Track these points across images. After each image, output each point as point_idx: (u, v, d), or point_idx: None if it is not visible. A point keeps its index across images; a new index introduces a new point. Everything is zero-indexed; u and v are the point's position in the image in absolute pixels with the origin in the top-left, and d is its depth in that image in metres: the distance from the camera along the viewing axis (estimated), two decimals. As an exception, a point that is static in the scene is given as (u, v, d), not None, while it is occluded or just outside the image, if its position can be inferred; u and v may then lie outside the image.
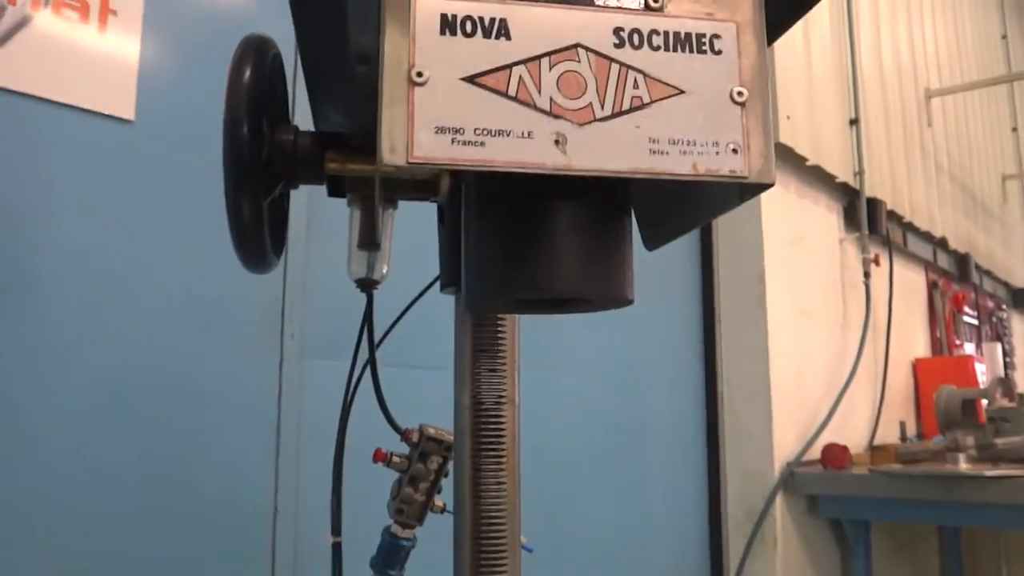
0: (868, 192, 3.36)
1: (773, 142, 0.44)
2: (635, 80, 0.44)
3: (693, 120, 0.43)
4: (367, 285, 0.85)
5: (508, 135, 0.42)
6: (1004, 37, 6.07)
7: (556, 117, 0.43)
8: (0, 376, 1.26)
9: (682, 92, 0.44)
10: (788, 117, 2.87)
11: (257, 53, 0.62)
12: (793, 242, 2.99)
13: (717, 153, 0.43)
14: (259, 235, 0.63)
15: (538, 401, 1.35)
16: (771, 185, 0.43)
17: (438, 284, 0.77)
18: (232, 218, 0.61)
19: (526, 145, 0.42)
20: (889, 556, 3.19)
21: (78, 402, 1.34)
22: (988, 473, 2.34)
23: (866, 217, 3.32)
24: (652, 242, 0.60)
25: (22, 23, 1.35)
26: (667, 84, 0.44)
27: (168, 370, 1.46)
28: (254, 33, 0.64)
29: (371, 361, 0.85)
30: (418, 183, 0.67)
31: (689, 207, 0.53)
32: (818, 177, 3.17)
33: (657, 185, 0.46)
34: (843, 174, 3.26)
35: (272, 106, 0.64)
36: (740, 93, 0.44)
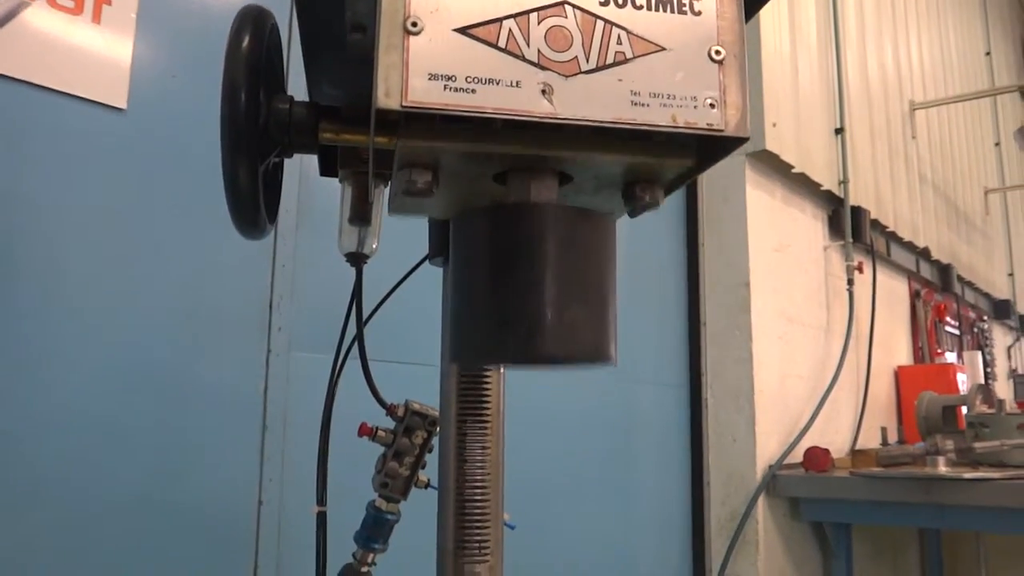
0: (852, 201, 3.41)
1: (749, 100, 0.46)
2: (619, 36, 0.46)
3: (673, 75, 0.46)
4: (357, 259, 0.86)
5: (498, 83, 0.44)
6: (988, 54, 6.17)
7: (543, 68, 0.45)
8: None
9: (663, 49, 0.46)
10: (774, 124, 2.91)
11: (255, 23, 0.63)
12: (778, 249, 3.03)
13: (695, 107, 0.45)
14: (254, 200, 0.65)
15: (523, 401, 1.35)
16: (746, 139, 0.46)
17: (428, 267, 0.79)
18: (228, 183, 0.62)
19: (515, 93, 0.44)
20: (870, 559, 3.22)
21: (66, 395, 1.34)
22: (967, 475, 2.37)
23: (850, 225, 3.37)
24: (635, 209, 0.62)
25: (19, 7, 1.36)
26: (649, 41, 0.46)
27: (156, 362, 1.47)
28: (253, 4, 0.66)
29: (359, 335, 0.86)
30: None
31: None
32: (803, 185, 3.21)
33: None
34: (828, 182, 3.30)
35: (269, 75, 0.66)
36: (718, 52, 0.47)
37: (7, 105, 1.32)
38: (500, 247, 0.51)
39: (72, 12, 1.42)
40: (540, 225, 0.50)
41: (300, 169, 1.72)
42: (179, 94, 1.54)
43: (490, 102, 0.44)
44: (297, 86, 0.75)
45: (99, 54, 1.45)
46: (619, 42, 0.46)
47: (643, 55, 0.46)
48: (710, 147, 0.49)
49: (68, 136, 1.39)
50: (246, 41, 0.61)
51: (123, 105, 1.47)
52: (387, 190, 0.82)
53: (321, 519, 0.87)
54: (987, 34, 6.23)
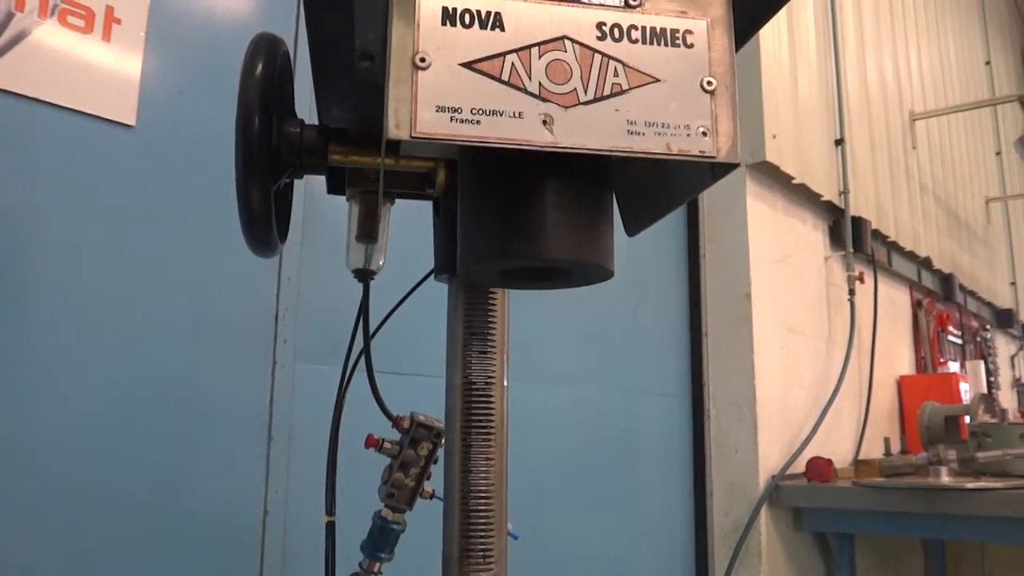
0: (853, 211, 3.43)
1: (739, 127, 0.49)
2: (615, 69, 0.49)
3: (667, 105, 0.48)
4: (364, 275, 0.88)
5: (501, 115, 0.47)
6: (988, 63, 6.20)
7: (544, 100, 0.47)
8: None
9: (657, 80, 0.49)
10: (774, 136, 2.93)
11: (268, 50, 0.66)
12: (779, 259, 3.04)
13: (688, 135, 0.48)
14: (267, 220, 0.67)
15: (527, 414, 1.37)
16: (737, 165, 0.48)
17: (432, 282, 0.81)
18: (242, 203, 0.65)
19: (517, 124, 0.47)
20: (873, 570, 3.21)
21: (75, 406, 1.36)
22: (969, 485, 2.38)
23: (851, 236, 3.38)
24: (633, 227, 0.65)
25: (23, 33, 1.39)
26: (644, 73, 0.49)
27: (163, 373, 1.49)
28: (265, 32, 0.68)
29: (366, 349, 0.88)
30: (416, 176, 0.71)
31: (666, 190, 0.57)
32: (804, 196, 3.23)
33: (636, 169, 0.50)
34: (828, 193, 3.32)
35: (281, 100, 0.68)
36: (710, 83, 0.49)
37: (18, 122, 1.35)
38: (505, 167, 0.53)
39: (82, 31, 1.45)
40: (543, 162, 0.52)
41: (304, 185, 1.74)
42: (187, 111, 1.57)
43: (494, 132, 0.46)
44: (301, 108, 0.78)
45: (109, 71, 1.48)
46: (616, 74, 0.48)
47: (639, 86, 0.48)
48: (702, 173, 0.52)
49: (78, 152, 1.42)
50: (260, 67, 0.64)
51: (132, 122, 1.50)
52: (393, 208, 0.84)
53: (330, 529, 0.89)
54: (986, 43, 6.26)
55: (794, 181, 3.08)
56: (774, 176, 3.01)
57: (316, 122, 0.72)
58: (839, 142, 3.44)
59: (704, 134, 0.48)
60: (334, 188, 0.82)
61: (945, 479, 2.47)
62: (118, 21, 1.51)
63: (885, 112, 4.07)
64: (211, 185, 1.53)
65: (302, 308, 1.72)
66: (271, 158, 0.65)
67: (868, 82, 3.91)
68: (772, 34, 3.05)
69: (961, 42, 5.64)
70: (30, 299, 1.33)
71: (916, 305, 4.25)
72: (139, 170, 1.50)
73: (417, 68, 0.46)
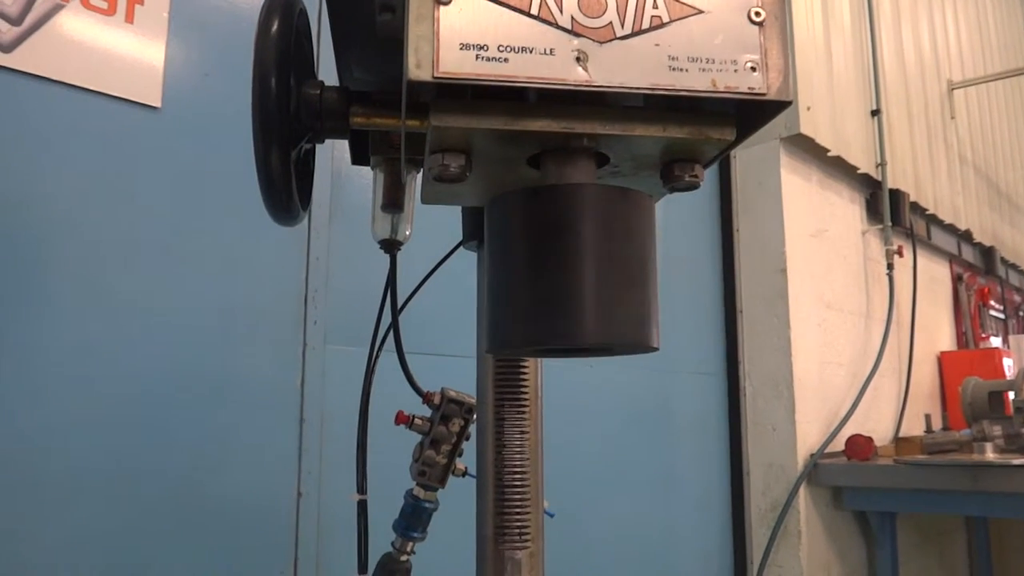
0: (891, 184, 3.33)
1: (791, 62, 0.45)
2: (654, 0, 0.45)
3: (712, 39, 0.44)
4: (391, 246, 0.86)
5: (531, 52, 0.43)
6: (1028, 29, 6.00)
7: (577, 35, 0.44)
8: (29, 367, 1.28)
9: (701, 12, 0.45)
10: (809, 108, 2.85)
11: (284, 9, 0.63)
12: (815, 234, 2.98)
13: (736, 71, 0.44)
14: (287, 186, 0.64)
15: (559, 391, 1.34)
16: (789, 103, 0.44)
17: (460, 257, 0.78)
18: (261, 168, 0.62)
19: (548, 61, 0.43)
20: (916, 548, 3.15)
21: (108, 392, 1.36)
22: (1016, 461, 2.31)
23: (889, 209, 3.30)
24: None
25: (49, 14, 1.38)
26: (686, 4, 0.45)
27: (195, 357, 1.48)
28: (281, -10, 0.66)
29: (394, 322, 0.86)
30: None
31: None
32: (840, 168, 3.15)
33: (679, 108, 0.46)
34: (865, 165, 3.23)
35: (299, 60, 0.66)
36: (758, 13, 0.45)
37: (43, 106, 1.34)
38: (536, 230, 0.49)
39: (105, 13, 1.44)
40: (577, 205, 0.48)
41: (332, 164, 1.72)
42: (212, 92, 1.56)
43: (523, 71, 0.43)
44: (325, 73, 0.75)
45: (133, 53, 1.47)
46: (655, 6, 0.45)
47: (680, 18, 0.45)
48: (751, 113, 0.48)
49: (103, 135, 1.41)
50: (275, 27, 0.61)
51: (157, 103, 1.49)
52: (419, 176, 0.81)
53: (361, 507, 0.87)
54: (1027, 9, 6.06)
55: (829, 153, 3.01)
56: (809, 149, 2.94)
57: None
58: (875, 113, 3.35)
59: (753, 69, 0.44)
60: (358, 157, 0.80)
61: (991, 456, 2.40)
62: (141, 2, 1.50)
63: (922, 81, 3.96)
64: (238, 165, 1.51)
65: (332, 289, 1.71)
66: (289, 120, 0.62)
67: (904, 51, 3.79)
68: (805, 4, 2.96)
69: (1000, 8, 5.46)
70: (56, 284, 1.33)
71: (956, 279, 4.15)
72: (165, 152, 1.49)
73: (439, 3, 0.43)
